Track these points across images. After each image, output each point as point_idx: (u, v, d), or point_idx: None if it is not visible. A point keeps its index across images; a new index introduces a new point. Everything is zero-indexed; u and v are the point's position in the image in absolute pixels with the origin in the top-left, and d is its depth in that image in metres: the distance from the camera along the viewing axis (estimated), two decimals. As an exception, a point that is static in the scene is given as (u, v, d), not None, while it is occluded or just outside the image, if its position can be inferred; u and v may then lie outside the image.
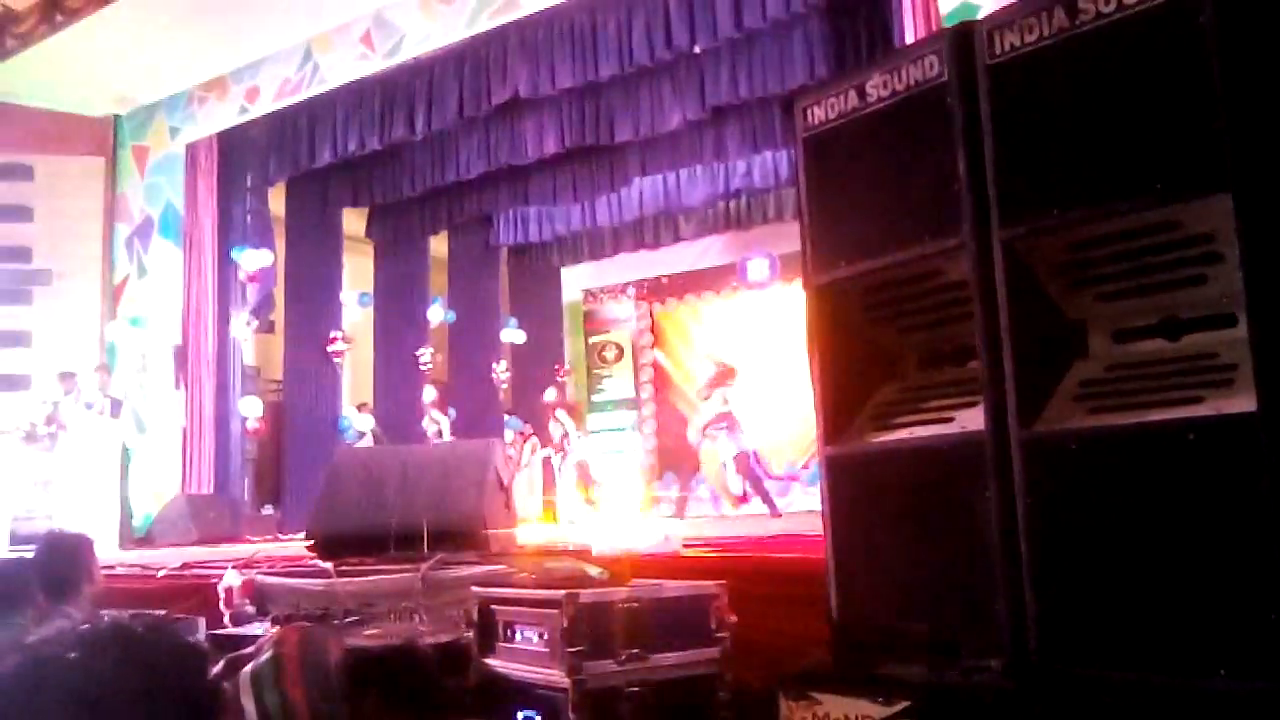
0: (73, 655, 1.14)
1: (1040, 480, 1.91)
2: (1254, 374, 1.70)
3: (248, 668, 2.14)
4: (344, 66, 9.35)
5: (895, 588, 2.18)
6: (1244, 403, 1.70)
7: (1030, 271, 2.03)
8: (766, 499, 8.59)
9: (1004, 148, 2.03)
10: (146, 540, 9.01)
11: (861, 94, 2.31)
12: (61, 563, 3.00)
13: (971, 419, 2.06)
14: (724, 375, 8.79)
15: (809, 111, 2.42)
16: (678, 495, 10.33)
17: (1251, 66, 1.79)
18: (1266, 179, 1.74)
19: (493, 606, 3.00)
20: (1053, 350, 2.03)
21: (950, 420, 2.11)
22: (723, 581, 2.94)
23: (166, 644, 1.22)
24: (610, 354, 13.38)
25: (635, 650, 2.69)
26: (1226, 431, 1.71)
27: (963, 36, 2.13)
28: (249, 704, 2.07)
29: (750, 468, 8.80)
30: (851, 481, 2.31)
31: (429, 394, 10.99)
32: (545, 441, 10.99)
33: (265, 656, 2.17)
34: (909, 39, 6.35)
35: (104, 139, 11.07)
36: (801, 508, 8.64)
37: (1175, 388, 1.84)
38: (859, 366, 2.39)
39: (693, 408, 10.72)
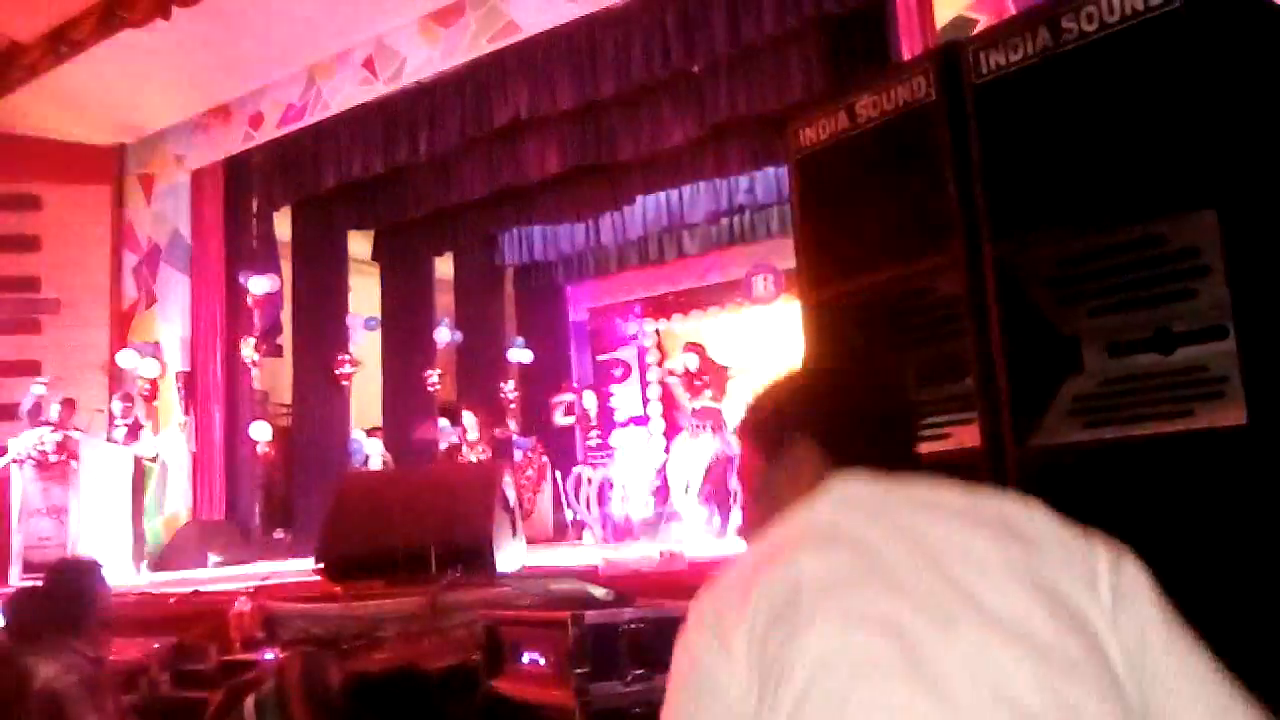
0: None
1: (1037, 496, 1.92)
2: (1243, 386, 1.72)
3: (251, 696, 2.16)
4: (347, 91, 9.43)
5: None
6: (1234, 415, 1.72)
7: (1022, 287, 2.05)
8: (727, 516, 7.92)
9: (992, 166, 2.05)
10: (158, 566, 9.05)
11: (851, 114, 2.34)
12: (70, 591, 3.03)
13: (968, 436, 2.08)
14: (717, 369, 8.43)
15: (800, 132, 2.45)
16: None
17: (1233, 82, 1.81)
18: (1250, 193, 1.76)
19: (500, 629, 3.01)
20: (1046, 365, 2.04)
21: (947, 437, 2.13)
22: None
23: None
24: (617, 372, 13.39)
25: (641, 671, 2.71)
26: (1218, 444, 1.73)
27: (950, 56, 2.16)
28: (254, 732, 2.09)
29: (726, 478, 8.08)
30: (851, 499, 2.32)
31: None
32: (555, 461, 10.99)
33: (269, 685, 2.19)
34: (905, 53, 6.38)
35: (110, 168, 11.16)
36: None
37: (1168, 401, 1.85)
38: (856, 384, 2.40)
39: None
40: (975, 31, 5.92)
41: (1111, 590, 1.03)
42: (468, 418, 10.48)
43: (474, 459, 9.90)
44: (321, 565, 4.43)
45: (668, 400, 12.67)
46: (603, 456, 10.23)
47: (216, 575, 7.10)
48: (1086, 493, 1.87)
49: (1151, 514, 1.79)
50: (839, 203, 2.38)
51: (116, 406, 9.45)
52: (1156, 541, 1.77)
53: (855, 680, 0.91)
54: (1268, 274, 1.75)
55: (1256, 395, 1.70)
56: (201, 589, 5.48)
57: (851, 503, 1.13)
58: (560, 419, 10.69)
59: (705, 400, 8.26)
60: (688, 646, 1.02)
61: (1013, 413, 1.99)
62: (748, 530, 1.27)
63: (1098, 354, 2.05)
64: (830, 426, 1.27)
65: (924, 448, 2.17)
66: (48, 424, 8.55)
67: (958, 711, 0.88)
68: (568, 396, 10.90)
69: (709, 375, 8.31)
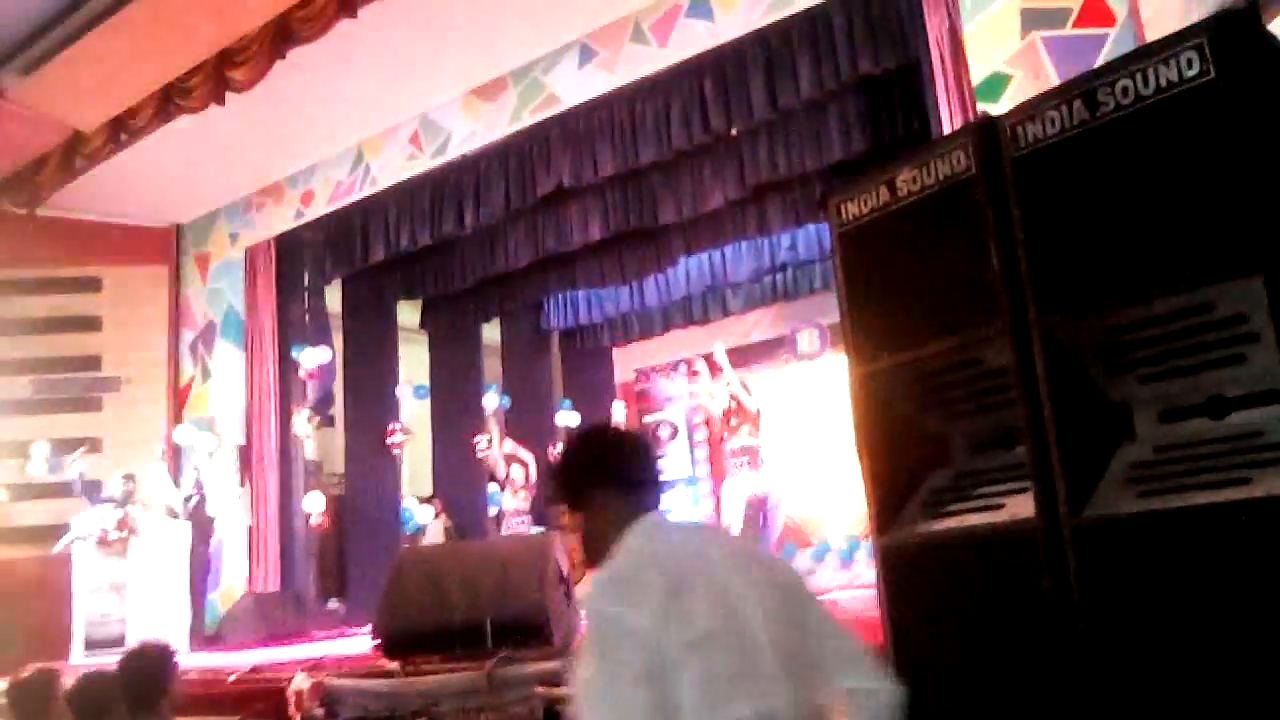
0: None
1: (1094, 567, 1.91)
2: (1301, 454, 1.71)
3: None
4: (394, 167, 9.65)
5: (956, 675, 2.18)
6: (1293, 483, 1.70)
7: (1070, 357, 2.05)
8: None
9: (1035, 237, 2.07)
10: (215, 639, 9.13)
11: (892, 189, 2.38)
12: (144, 676, 3.08)
13: (1022, 506, 2.07)
14: (746, 411, 8.31)
15: (842, 207, 2.49)
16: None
17: (1273, 149, 1.82)
18: (1297, 260, 1.76)
19: (559, 706, 3.02)
20: (1099, 434, 2.04)
21: (1001, 508, 2.12)
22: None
23: None
24: (664, 432, 13.39)
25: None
26: (1277, 512, 1.71)
27: (987, 131, 2.19)
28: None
29: (758, 516, 7.99)
30: (906, 570, 2.32)
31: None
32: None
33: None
34: (942, 110, 6.43)
35: (167, 248, 11.48)
36: (867, 580, 8.35)
37: (1224, 468, 1.84)
38: (908, 454, 2.41)
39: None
40: (1010, 87, 5.97)
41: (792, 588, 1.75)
42: (516, 470, 10.44)
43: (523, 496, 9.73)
44: (379, 641, 4.45)
45: (714, 452, 12.64)
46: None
47: (274, 652, 7.14)
48: (1144, 563, 1.86)
49: (1210, 585, 1.77)
50: (883, 276, 2.41)
51: (187, 479, 9.63)
52: (1217, 612, 1.76)
53: (723, 628, 1.56)
54: (1319, 339, 1.75)
55: (1315, 462, 1.69)
56: (261, 666, 5.53)
57: (675, 532, 1.82)
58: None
59: (743, 438, 8.18)
60: (607, 617, 1.56)
61: (1066, 483, 1.99)
62: (592, 562, 1.76)
63: (1150, 421, 2.04)
64: (619, 476, 1.82)
65: (979, 518, 2.18)
66: (109, 500, 8.72)
67: (759, 647, 1.57)
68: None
69: (739, 415, 8.26)
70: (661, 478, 1.92)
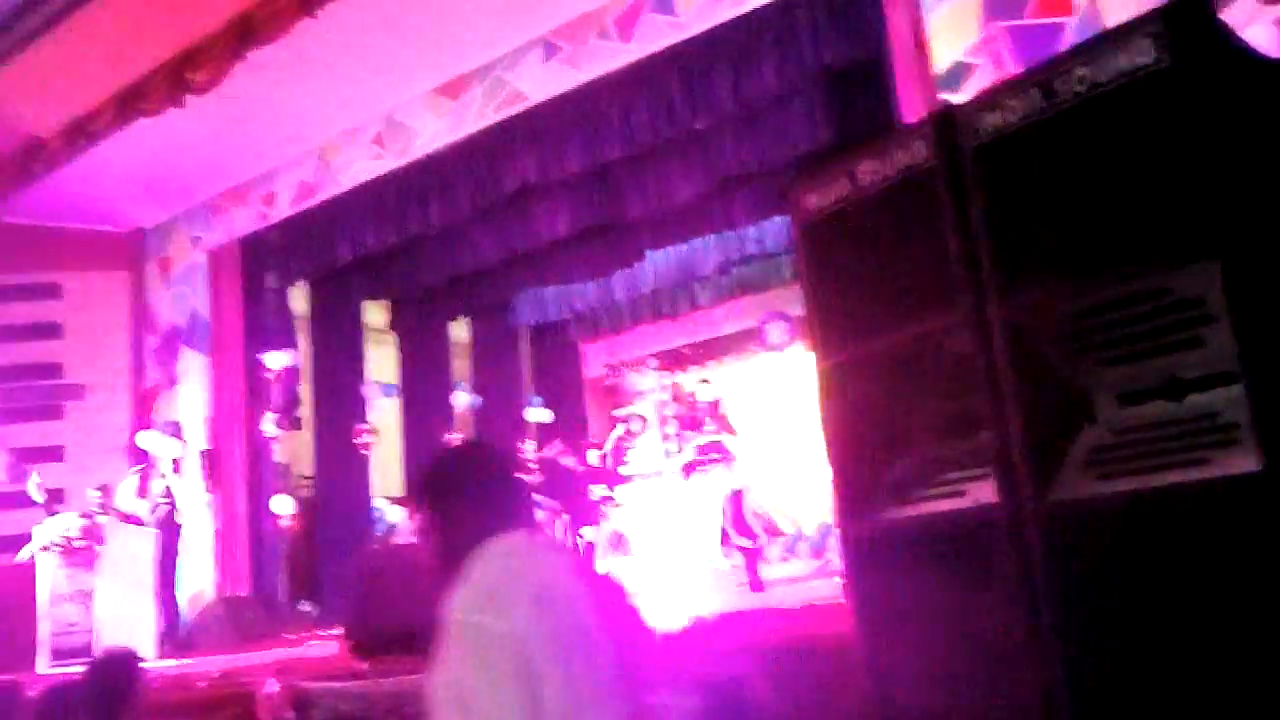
0: None
1: (1056, 550, 1.93)
2: (1255, 433, 1.73)
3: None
4: (358, 167, 9.57)
5: (925, 665, 2.19)
6: (1248, 462, 1.73)
7: (1031, 342, 2.07)
8: (750, 565, 7.57)
9: (994, 226, 2.09)
10: (185, 645, 9.03)
11: (853, 179, 2.39)
12: (108, 685, 3.05)
13: (985, 491, 2.09)
14: (694, 403, 8.32)
15: (804, 199, 2.50)
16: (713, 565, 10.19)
17: (1228, 135, 1.85)
18: (1249, 243, 1.79)
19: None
20: (1060, 418, 2.06)
21: (964, 494, 2.14)
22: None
23: None
24: (635, 426, 13.38)
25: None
26: (1234, 491, 1.74)
27: (946, 120, 2.21)
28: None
29: (741, 513, 7.88)
30: (872, 558, 2.34)
31: None
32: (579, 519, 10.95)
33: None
34: (905, 101, 6.47)
35: (128, 253, 11.33)
36: (839, 566, 8.32)
37: (1183, 449, 1.86)
38: (873, 443, 2.42)
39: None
40: (972, 77, 6.02)
41: None
42: None
43: None
44: (350, 643, 4.43)
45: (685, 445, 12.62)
46: (609, 509, 10.11)
47: (245, 656, 7.08)
48: (1106, 546, 1.88)
49: (1171, 564, 1.80)
50: (846, 266, 2.42)
51: (157, 485, 9.51)
52: (1180, 593, 1.78)
53: (577, 640, 1.75)
54: (1272, 320, 1.77)
55: (1270, 441, 1.71)
56: (231, 671, 5.48)
57: (532, 551, 1.95)
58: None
59: (709, 435, 8.19)
60: (478, 626, 1.73)
61: (1029, 468, 2.01)
62: (447, 570, 1.85)
63: (1110, 404, 2.06)
64: (482, 493, 1.95)
65: (943, 504, 2.20)
66: (84, 512, 8.62)
67: (602, 659, 1.77)
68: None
69: (698, 411, 8.29)
70: (524, 499, 2.13)
